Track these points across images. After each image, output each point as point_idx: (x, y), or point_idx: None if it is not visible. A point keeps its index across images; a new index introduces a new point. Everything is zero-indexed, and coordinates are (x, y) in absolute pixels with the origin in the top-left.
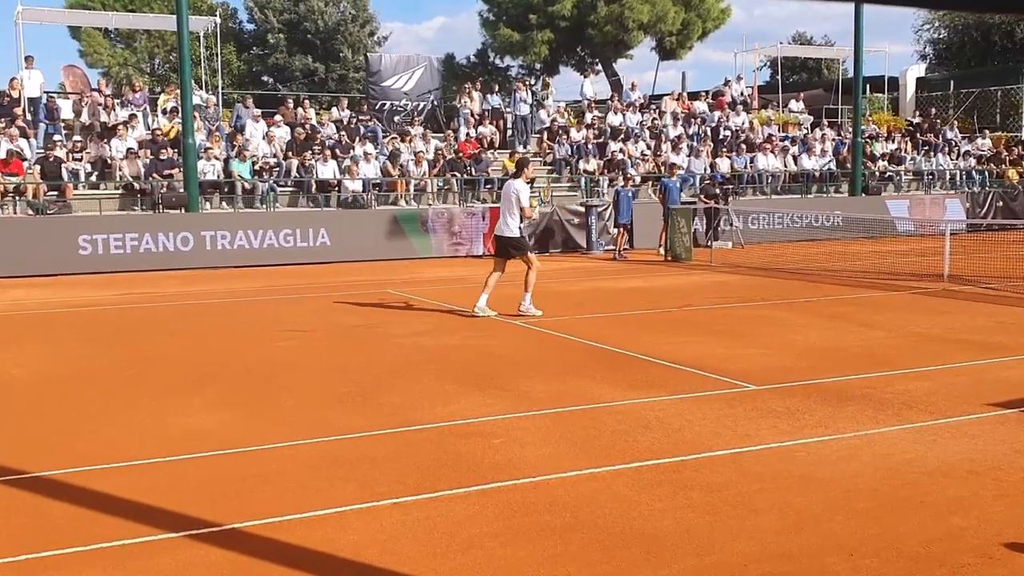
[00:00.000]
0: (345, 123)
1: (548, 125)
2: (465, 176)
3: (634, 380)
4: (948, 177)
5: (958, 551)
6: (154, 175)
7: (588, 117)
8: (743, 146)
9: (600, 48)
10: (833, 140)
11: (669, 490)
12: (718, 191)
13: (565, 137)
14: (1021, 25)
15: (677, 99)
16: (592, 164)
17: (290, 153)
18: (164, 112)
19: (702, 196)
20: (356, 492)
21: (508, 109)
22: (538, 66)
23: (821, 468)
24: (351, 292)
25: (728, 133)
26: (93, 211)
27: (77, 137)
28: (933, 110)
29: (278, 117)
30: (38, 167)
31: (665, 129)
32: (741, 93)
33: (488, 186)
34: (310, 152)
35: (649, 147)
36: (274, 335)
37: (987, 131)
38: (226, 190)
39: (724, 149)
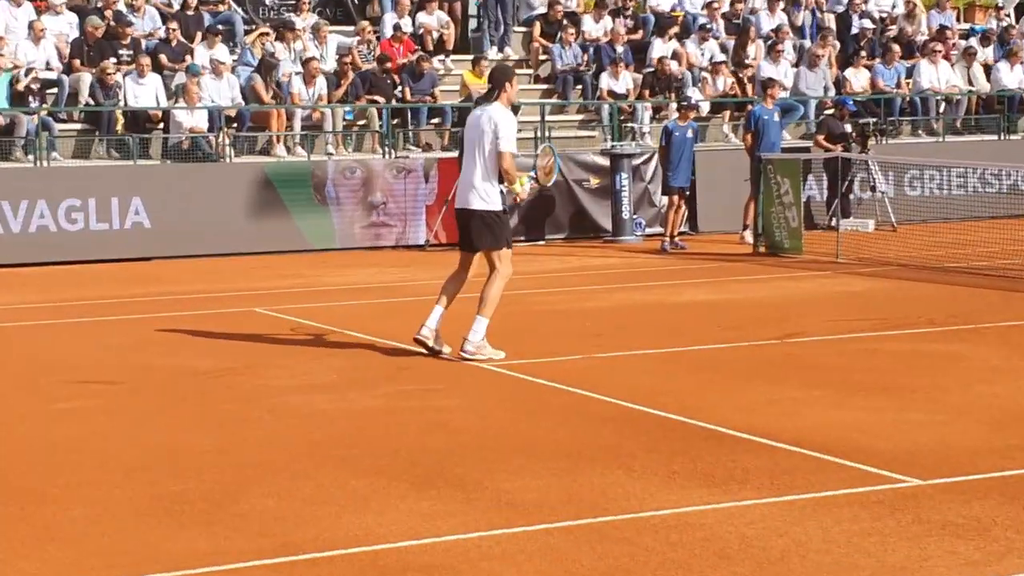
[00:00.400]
0: (178, 8)
1: (543, 11)
2: (394, 103)
3: (703, 469)
4: None
5: None
6: None
7: None
8: (895, 48)
9: None
10: None
11: None
12: (849, 128)
13: (574, 32)
14: None
15: None
16: (622, 82)
17: (78, 62)
18: None
19: (821, 138)
20: None
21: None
22: None
23: None
24: (190, 312)
25: (867, 25)
26: None
27: None
28: None
29: None
30: None
31: (754, 18)
32: None
33: (434, 120)
34: (114, 60)
35: (725, 50)
36: (50, 392)
37: None
38: None
39: (860, 54)
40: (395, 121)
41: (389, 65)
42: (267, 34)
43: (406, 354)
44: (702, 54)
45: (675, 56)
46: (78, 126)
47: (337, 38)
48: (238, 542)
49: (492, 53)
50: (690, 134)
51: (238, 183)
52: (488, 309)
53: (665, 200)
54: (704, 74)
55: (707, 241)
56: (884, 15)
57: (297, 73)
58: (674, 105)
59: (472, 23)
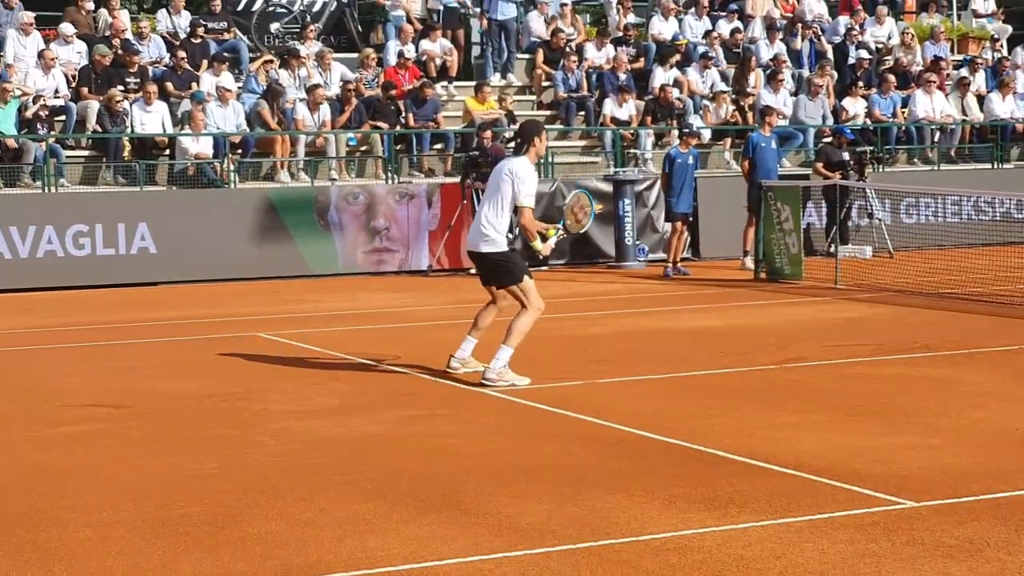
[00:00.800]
0: (184, 36)
1: (546, 39)
2: (397, 128)
3: (702, 494)
4: None
5: None
6: None
7: (616, 23)
8: (890, 78)
9: None
10: None
11: None
12: (847, 156)
13: (576, 60)
14: None
15: None
16: (625, 109)
17: (86, 89)
18: None
19: (820, 165)
20: None
21: (475, 10)
22: None
23: None
24: (194, 337)
25: (864, 55)
26: None
27: None
28: None
29: (65, 26)
30: None
31: (754, 47)
32: None
33: (437, 146)
34: (121, 88)
35: (726, 78)
36: (57, 416)
37: None
38: None
39: (857, 83)
40: (398, 147)
41: (393, 91)
42: (271, 61)
43: (408, 379)
44: (703, 82)
45: (677, 84)
46: (85, 153)
47: (340, 67)
48: (241, 565)
49: (495, 80)
50: (692, 161)
51: (242, 209)
52: (513, 340)
53: (668, 226)
54: (705, 102)
55: (709, 267)
56: (880, 45)
57: (301, 100)
58: (676, 132)
59: (475, 50)
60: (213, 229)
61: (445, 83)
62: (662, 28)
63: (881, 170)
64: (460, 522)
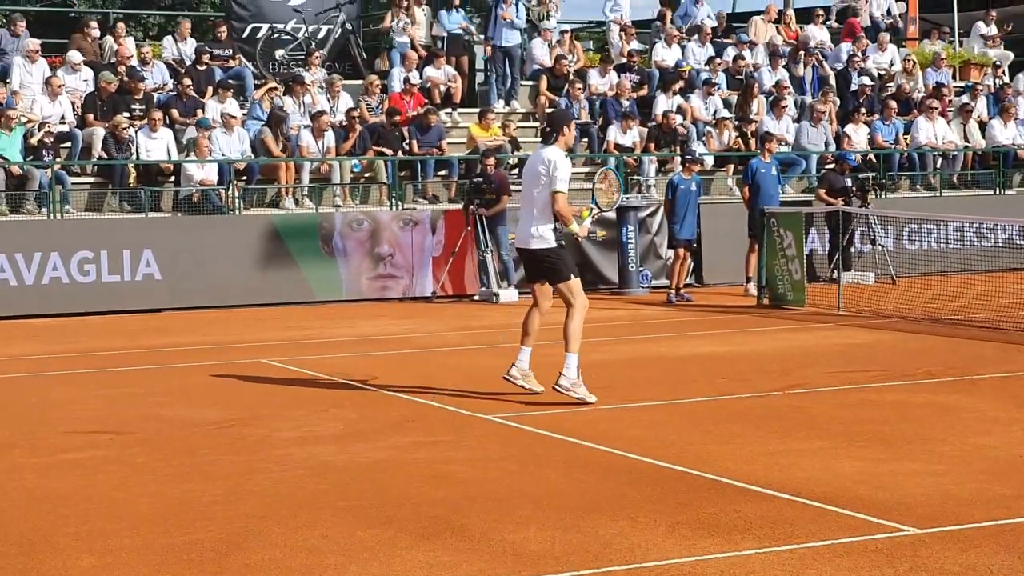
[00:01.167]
0: (189, 63)
1: (550, 66)
2: (401, 155)
3: (706, 520)
4: None
5: None
6: None
7: (619, 50)
8: (892, 104)
9: None
10: None
11: None
12: (850, 183)
13: (580, 87)
14: None
15: (776, 21)
16: (629, 135)
17: (91, 116)
18: None
19: (823, 192)
20: None
21: (479, 37)
22: None
23: None
24: (199, 363)
25: (866, 81)
26: None
27: None
28: None
29: (73, 54)
30: None
31: (757, 74)
32: (887, 12)
33: (441, 172)
34: (127, 114)
35: (729, 105)
36: (60, 442)
37: None
38: None
39: (860, 110)
40: (402, 173)
41: (398, 118)
42: (275, 88)
43: (412, 406)
44: (706, 109)
45: (680, 111)
46: (91, 179)
47: (347, 93)
48: None
49: (499, 106)
50: (694, 187)
51: (247, 235)
52: (573, 344)
53: (671, 252)
54: (708, 128)
55: (712, 293)
56: (882, 72)
57: (306, 126)
58: (679, 159)
59: (479, 77)
60: (218, 256)
61: (449, 110)
62: (665, 55)
63: (884, 196)
64: (464, 549)
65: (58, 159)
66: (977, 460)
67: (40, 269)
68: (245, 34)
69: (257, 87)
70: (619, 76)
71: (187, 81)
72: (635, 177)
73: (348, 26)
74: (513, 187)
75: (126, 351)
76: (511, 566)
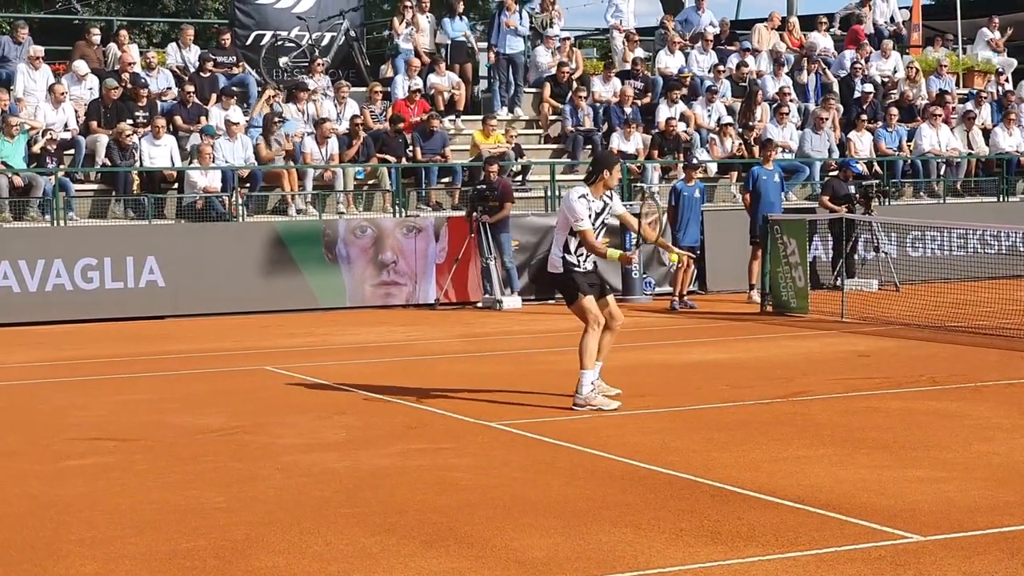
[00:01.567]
0: (193, 70)
1: (552, 72)
2: (404, 162)
3: (709, 527)
4: None
5: None
6: None
7: (621, 55)
8: (895, 111)
9: None
10: None
11: None
12: (853, 190)
13: (583, 94)
14: None
15: (779, 28)
16: (632, 142)
17: (95, 123)
18: None
19: (826, 199)
20: None
21: (482, 44)
22: None
23: None
24: (202, 370)
25: (869, 89)
26: None
27: None
28: None
29: (79, 64)
30: None
31: (760, 81)
32: (891, 19)
33: (445, 179)
34: (130, 121)
35: (732, 112)
36: (63, 449)
37: None
38: None
39: (862, 117)
40: (406, 180)
41: (401, 125)
42: (273, 95)
43: (415, 412)
44: (709, 116)
45: (683, 118)
46: (95, 186)
47: (351, 100)
48: None
49: (502, 114)
50: (698, 194)
51: (250, 242)
52: (586, 361)
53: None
54: (712, 135)
55: (715, 300)
56: (886, 79)
57: (309, 133)
58: (682, 166)
59: (482, 83)
60: (221, 262)
61: (453, 117)
62: (668, 62)
63: (887, 203)
64: (467, 555)
65: (62, 166)
66: (981, 467)
67: (44, 276)
68: (249, 41)
69: (261, 93)
70: (622, 83)
71: (190, 88)
72: (638, 184)
73: (352, 33)
74: (516, 194)
75: (129, 358)
76: (514, 573)
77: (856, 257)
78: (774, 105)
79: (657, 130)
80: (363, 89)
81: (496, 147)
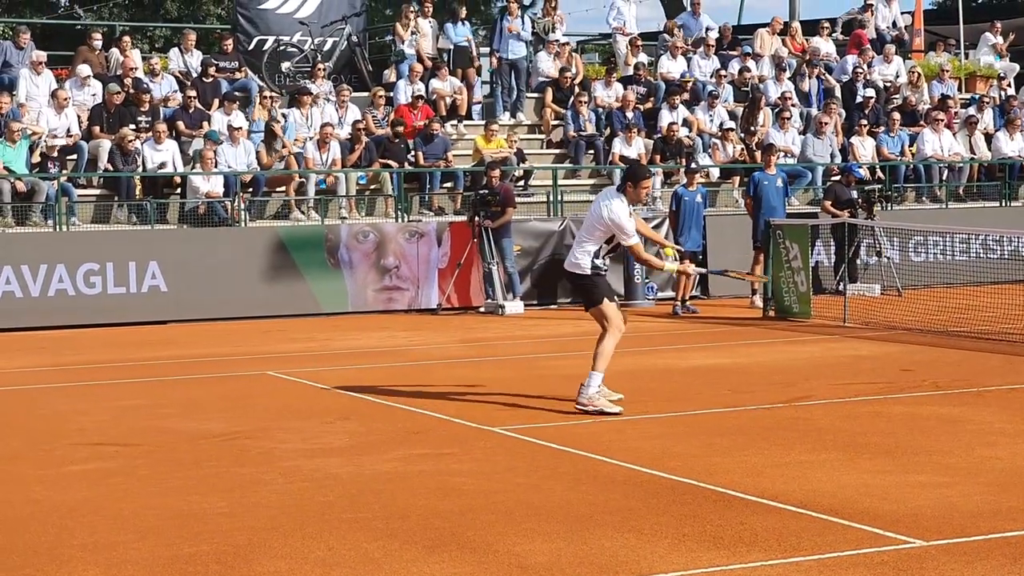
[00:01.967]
0: (195, 76)
1: (554, 77)
2: (407, 166)
3: (711, 532)
4: None
5: None
6: None
7: (623, 59)
8: (897, 116)
9: None
10: None
11: None
12: (855, 195)
13: (584, 99)
14: None
15: (782, 33)
16: (633, 147)
17: (97, 128)
18: None
19: (828, 203)
20: None
21: (485, 49)
22: None
23: None
24: (204, 375)
25: (871, 93)
26: None
27: None
28: None
29: (82, 68)
30: None
31: (762, 86)
32: (893, 24)
33: (447, 184)
34: (133, 127)
35: (734, 116)
36: (65, 454)
37: None
38: None
39: (864, 122)
40: (408, 185)
41: (401, 129)
42: (272, 97)
43: (417, 418)
44: (711, 120)
45: (685, 123)
46: (97, 191)
47: (353, 106)
48: None
49: (505, 119)
50: (699, 199)
51: (253, 247)
52: (600, 363)
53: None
54: (714, 140)
55: (718, 305)
56: (888, 84)
57: (311, 138)
58: (684, 170)
59: (485, 89)
60: (224, 268)
61: (455, 122)
62: (671, 67)
63: (889, 208)
64: (469, 560)
65: (64, 171)
66: (983, 472)
67: (46, 281)
68: (251, 46)
69: (262, 99)
70: (624, 88)
71: (193, 93)
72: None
73: (354, 39)
74: (518, 199)
75: (132, 363)
76: None
77: (858, 262)
78: (776, 110)
79: (659, 135)
80: (365, 94)
81: (498, 152)
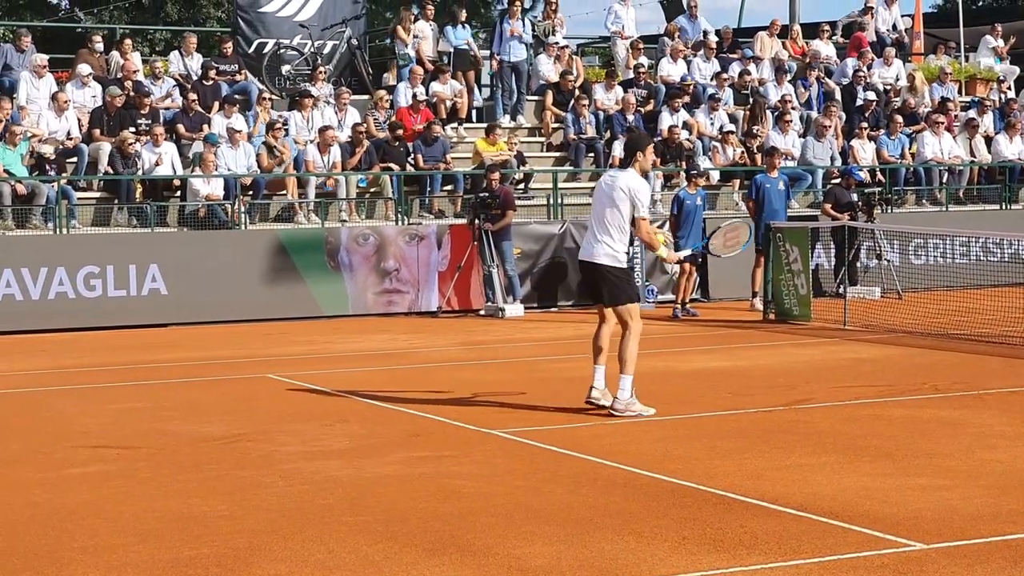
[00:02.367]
0: (195, 78)
1: (555, 80)
2: (408, 169)
3: (712, 535)
4: None
5: None
6: None
7: (624, 62)
8: (898, 119)
9: None
10: None
11: None
12: (855, 198)
13: (585, 102)
14: None
15: (782, 36)
16: None
17: (98, 131)
18: None
19: (829, 206)
20: None
21: (485, 52)
22: None
23: None
24: (204, 378)
25: (872, 96)
26: None
27: None
28: None
29: (83, 67)
30: None
31: (762, 89)
32: (893, 27)
33: (447, 187)
34: (133, 130)
35: (734, 120)
36: (66, 457)
37: None
38: None
39: (865, 124)
40: (408, 188)
41: (401, 132)
42: (268, 98)
43: (417, 420)
44: (712, 124)
45: (685, 126)
46: (97, 194)
47: (353, 109)
48: None
49: (505, 121)
50: (700, 202)
51: (253, 250)
52: (629, 367)
53: (676, 267)
54: (714, 143)
55: (718, 308)
56: (888, 87)
57: (311, 141)
58: (684, 173)
59: (485, 91)
60: (224, 271)
61: (455, 125)
62: (671, 70)
63: (889, 211)
64: (470, 563)
65: (64, 174)
66: (984, 475)
67: (46, 284)
68: (251, 49)
69: (262, 102)
70: (625, 91)
71: (193, 96)
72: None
73: (354, 41)
74: (518, 202)
75: (132, 366)
76: None
77: (859, 265)
78: (776, 113)
79: (659, 138)
80: (365, 97)
81: (498, 155)
